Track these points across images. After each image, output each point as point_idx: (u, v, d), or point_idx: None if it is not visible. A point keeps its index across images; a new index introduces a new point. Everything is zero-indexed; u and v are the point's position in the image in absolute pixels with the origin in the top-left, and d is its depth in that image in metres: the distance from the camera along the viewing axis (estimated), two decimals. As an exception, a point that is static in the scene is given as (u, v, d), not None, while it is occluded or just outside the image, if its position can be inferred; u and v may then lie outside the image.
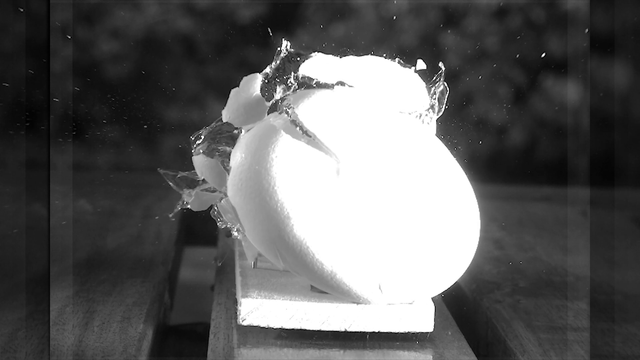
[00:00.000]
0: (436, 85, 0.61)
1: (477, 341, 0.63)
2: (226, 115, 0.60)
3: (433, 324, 0.58)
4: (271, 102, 0.60)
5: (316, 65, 0.60)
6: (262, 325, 0.58)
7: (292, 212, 0.55)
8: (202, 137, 0.60)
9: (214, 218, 0.60)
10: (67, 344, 0.56)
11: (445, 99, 0.61)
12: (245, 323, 0.58)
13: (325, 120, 0.57)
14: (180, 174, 0.61)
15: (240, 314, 0.58)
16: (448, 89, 0.61)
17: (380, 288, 0.56)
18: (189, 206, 0.61)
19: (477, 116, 1.18)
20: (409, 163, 0.57)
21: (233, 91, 0.60)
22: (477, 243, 0.58)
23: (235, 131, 0.60)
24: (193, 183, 0.61)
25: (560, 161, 1.20)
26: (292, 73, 0.60)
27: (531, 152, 1.27)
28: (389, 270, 0.56)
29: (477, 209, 0.58)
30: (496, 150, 1.25)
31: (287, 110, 0.58)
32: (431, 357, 0.57)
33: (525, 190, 1.03)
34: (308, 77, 0.60)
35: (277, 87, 0.60)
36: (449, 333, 0.60)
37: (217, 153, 0.60)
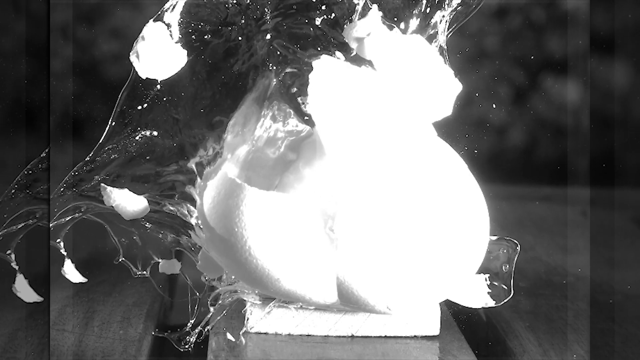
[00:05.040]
0: None
1: (477, 341, 0.63)
2: (139, 68, 0.56)
3: (439, 328, 0.58)
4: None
5: (363, 29, 0.55)
6: (270, 332, 0.58)
7: (278, 265, 0.54)
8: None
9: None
10: (67, 344, 0.56)
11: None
12: (253, 331, 0.58)
13: (331, 106, 0.54)
14: None
15: (248, 322, 0.58)
16: None
17: (388, 308, 0.55)
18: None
19: (477, 116, 1.18)
20: (414, 172, 0.55)
21: (141, 47, 0.56)
22: (485, 250, 0.58)
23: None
24: None
25: (560, 161, 1.20)
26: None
27: (531, 152, 1.27)
28: (397, 290, 0.55)
29: (487, 216, 0.57)
30: (496, 150, 1.25)
31: (294, 90, 0.56)
32: (431, 357, 0.57)
33: (525, 190, 1.03)
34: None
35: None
36: (448, 333, 0.60)
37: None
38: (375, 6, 0.55)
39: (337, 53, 0.56)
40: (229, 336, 0.58)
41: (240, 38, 0.57)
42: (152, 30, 0.56)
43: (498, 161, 1.25)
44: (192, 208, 0.58)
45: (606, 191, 1.02)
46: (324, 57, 0.55)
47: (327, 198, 0.54)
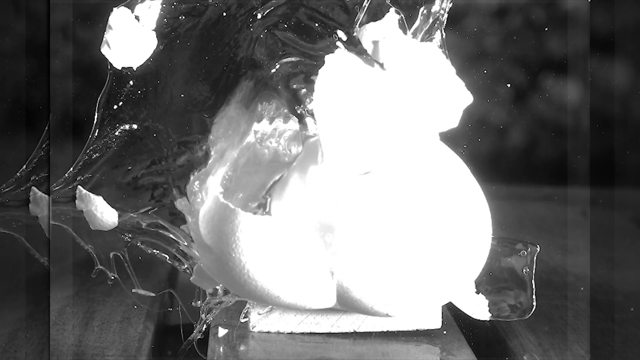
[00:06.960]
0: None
1: (477, 341, 0.63)
2: (113, 58, 0.55)
3: (441, 321, 0.59)
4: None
5: (379, 31, 0.54)
6: (272, 331, 0.58)
7: (277, 285, 0.54)
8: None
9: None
10: (67, 344, 0.56)
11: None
12: (256, 330, 0.58)
13: (337, 106, 0.53)
14: None
15: (250, 321, 0.58)
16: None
17: (389, 314, 0.55)
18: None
19: (477, 116, 1.18)
20: (415, 176, 0.55)
21: (110, 36, 0.55)
22: (486, 255, 0.57)
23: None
24: None
25: (560, 161, 1.20)
26: None
27: (531, 152, 1.27)
28: (398, 296, 0.55)
29: (489, 220, 0.57)
30: (496, 150, 1.25)
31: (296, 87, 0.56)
32: (431, 357, 0.57)
33: (525, 190, 1.03)
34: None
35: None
36: (448, 333, 0.60)
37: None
38: (392, 9, 0.54)
39: (339, 32, 0.54)
40: (228, 334, 0.58)
41: (224, 14, 0.56)
42: (117, 17, 0.54)
43: (498, 161, 1.25)
44: (176, 225, 0.58)
45: (606, 191, 1.02)
46: (339, 52, 0.54)
47: (326, 199, 0.54)
